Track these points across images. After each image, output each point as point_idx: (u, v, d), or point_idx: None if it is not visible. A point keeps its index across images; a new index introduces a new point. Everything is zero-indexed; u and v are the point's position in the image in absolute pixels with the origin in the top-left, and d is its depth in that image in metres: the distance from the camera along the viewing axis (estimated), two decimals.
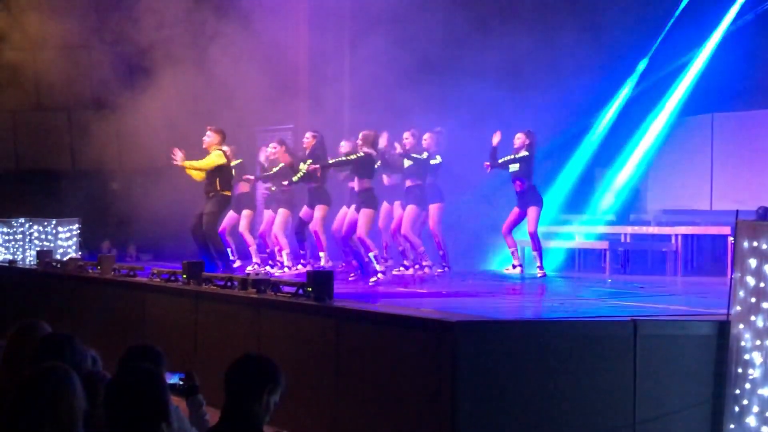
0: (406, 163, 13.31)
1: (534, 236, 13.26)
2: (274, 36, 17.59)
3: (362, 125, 14.64)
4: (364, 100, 17.42)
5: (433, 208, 13.50)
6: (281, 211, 14.41)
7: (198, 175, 13.53)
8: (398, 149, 13.29)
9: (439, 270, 13.62)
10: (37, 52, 20.39)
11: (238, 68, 16.75)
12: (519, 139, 13.47)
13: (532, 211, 13.27)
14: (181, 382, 5.62)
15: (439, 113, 15.46)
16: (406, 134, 13.22)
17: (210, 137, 13.54)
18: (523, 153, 13.32)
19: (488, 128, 13.95)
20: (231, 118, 17.04)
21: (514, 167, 13.35)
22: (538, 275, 13.25)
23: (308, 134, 14.01)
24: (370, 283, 12.35)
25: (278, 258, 14.49)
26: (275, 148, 14.55)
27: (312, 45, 19.06)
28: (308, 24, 19.09)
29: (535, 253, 13.40)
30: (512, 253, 13.57)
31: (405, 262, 13.46)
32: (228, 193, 13.62)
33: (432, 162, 13.45)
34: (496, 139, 13.40)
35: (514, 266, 13.49)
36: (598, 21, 16.63)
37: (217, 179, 13.37)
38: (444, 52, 17.20)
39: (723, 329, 7.88)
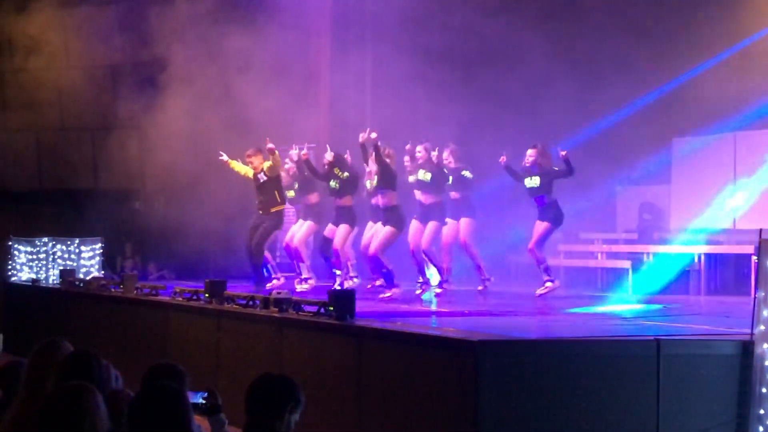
0: (425, 175, 13.17)
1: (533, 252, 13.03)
2: (295, 54, 17.66)
3: (384, 141, 14.66)
4: (386, 117, 17.44)
5: (464, 222, 13.41)
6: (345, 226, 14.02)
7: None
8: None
9: (480, 287, 13.64)
10: (61, 73, 20.53)
11: (259, 86, 16.81)
12: (531, 156, 13.03)
13: (544, 225, 13.00)
14: (203, 401, 5.63)
15: (462, 128, 15.47)
16: (419, 148, 13.17)
17: (254, 161, 13.84)
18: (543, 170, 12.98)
19: (510, 142, 13.92)
20: (253, 136, 17.08)
21: (533, 183, 13.02)
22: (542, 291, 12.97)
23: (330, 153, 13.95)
24: (381, 297, 12.34)
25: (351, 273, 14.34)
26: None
27: (333, 63, 19.11)
28: (330, 44, 19.15)
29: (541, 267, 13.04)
30: (545, 269, 13.08)
31: (419, 280, 13.37)
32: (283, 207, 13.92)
33: (465, 175, 13.42)
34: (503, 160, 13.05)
35: (551, 281, 13.00)
36: (622, 33, 16.64)
37: (276, 191, 13.68)
38: (467, 67, 17.22)
39: (747, 349, 7.85)
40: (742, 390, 7.80)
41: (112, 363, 5.82)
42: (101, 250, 18.69)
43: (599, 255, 17.07)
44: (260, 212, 13.84)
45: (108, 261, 19.25)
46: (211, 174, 17.61)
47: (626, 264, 15.68)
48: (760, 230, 8.22)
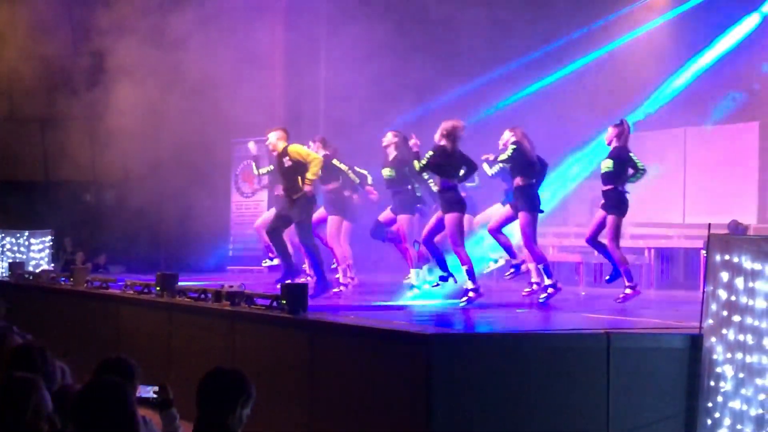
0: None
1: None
2: (249, 44, 17.57)
3: (337, 136, 14.64)
4: (340, 109, 17.43)
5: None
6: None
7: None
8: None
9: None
10: (10, 63, 20.29)
11: (213, 78, 16.73)
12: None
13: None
14: (154, 395, 5.60)
15: (418, 122, 15.47)
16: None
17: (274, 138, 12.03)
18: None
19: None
20: (205, 128, 17.01)
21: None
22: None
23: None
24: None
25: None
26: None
27: (288, 53, 19.06)
28: (284, 35, 19.10)
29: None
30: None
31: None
32: (311, 189, 11.79)
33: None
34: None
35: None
36: (569, 37, 16.74)
37: (299, 176, 11.69)
38: (423, 58, 17.19)
39: (695, 342, 7.94)
40: (690, 383, 7.90)
41: (63, 357, 5.78)
42: (51, 243, 18.52)
43: (550, 249, 17.16)
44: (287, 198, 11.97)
45: (57, 254, 19.09)
46: (164, 165, 17.51)
47: (577, 258, 15.78)
48: (709, 225, 8.32)
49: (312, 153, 12.05)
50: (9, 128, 22.15)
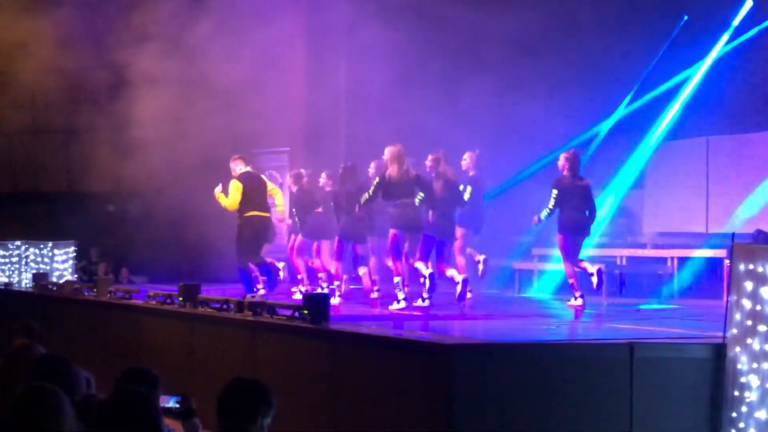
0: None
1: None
2: (270, 56, 17.60)
3: (358, 149, 14.67)
4: (361, 123, 17.42)
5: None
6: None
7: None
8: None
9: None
10: (34, 75, 20.42)
11: (233, 89, 16.76)
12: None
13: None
14: (177, 406, 5.61)
15: (441, 136, 15.45)
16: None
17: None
18: None
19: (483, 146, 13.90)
20: (226, 140, 17.02)
21: None
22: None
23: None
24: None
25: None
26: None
27: (309, 66, 19.08)
28: (305, 46, 19.11)
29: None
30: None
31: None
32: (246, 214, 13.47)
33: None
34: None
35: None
36: (589, 44, 16.64)
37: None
38: (444, 72, 17.18)
39: (719, 352, 7.90)
40: (714, 393, 7.85)
41: (86, 367, 5.80)
42: (74, 254, 18.60)
43: None
44: None
45: (80, 264, 19.17)
46: (187, 176, 17.55)
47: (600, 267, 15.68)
48: (733, 234, 8.28)
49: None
50: (32, 140, 22.31)
